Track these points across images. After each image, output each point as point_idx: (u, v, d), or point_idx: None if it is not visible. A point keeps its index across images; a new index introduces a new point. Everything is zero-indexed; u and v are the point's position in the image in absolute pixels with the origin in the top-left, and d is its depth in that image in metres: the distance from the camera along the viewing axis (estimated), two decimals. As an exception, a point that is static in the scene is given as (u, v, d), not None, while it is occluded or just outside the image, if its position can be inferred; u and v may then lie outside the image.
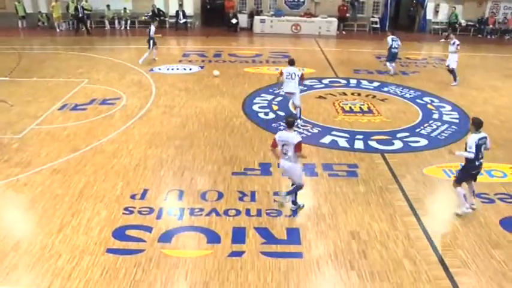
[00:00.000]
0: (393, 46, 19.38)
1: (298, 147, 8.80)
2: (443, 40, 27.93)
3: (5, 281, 7.33)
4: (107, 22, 29.73)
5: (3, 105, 13.24)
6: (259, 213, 9.15)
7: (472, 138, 8.75)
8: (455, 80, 18.27)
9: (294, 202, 9.36)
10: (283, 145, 8.95)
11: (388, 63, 19.92)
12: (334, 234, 8.56)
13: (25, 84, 17.06)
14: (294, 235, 8.52)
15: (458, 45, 17.85)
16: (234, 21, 29.06)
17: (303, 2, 30.42)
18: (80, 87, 16.79)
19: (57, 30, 28.77)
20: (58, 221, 8.87)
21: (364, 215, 9.23)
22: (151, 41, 20.27)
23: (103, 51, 23.31)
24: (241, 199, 9.66)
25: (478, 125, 8.88)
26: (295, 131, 9.31)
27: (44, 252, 7.97)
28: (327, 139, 12.82)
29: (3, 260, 7.76)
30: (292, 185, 9.37)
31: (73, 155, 11.59)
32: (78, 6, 28.03)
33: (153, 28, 20.22)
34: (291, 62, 14.08)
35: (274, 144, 9.09)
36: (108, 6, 29.37)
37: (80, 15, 28.22)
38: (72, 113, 14.43)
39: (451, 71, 18.23)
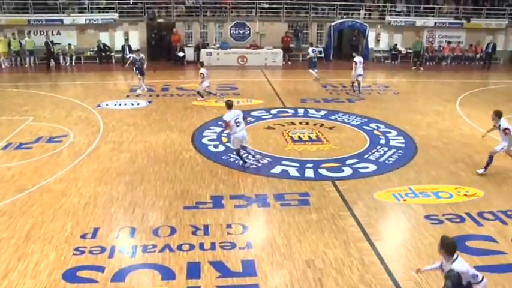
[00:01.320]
0: (313, 56, 25.11)
1: (244, 115, 12.78)
2: (414, 68, 29.19)
3: None
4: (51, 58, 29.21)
5: None
6: (213, 246, 9.05)
7: (464, 265, 6.35)
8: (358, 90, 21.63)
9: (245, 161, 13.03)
10: (235, 120, 12.43)
11: (310, 70, 25.17)
12: (289, 264, 8.56)
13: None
14: (249, 267, 8.46)
15: (354, 63, 21.19)
16: (180, 54, 29.17)
17: (248, 34, 30.93)
18: (25, 125, 16.38)
19: (2, 66, 28.15)
20: (3, 266, 8.48)
21: (318, 243, 9.27)
22: (137, 70, 21.93)
23: (48, 87, 22.92)
24: (194, 233, 9.55)
25: (452, 249, 6.42)
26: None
27: (-13, 302, 7.62)
28: (277, 169, 12.89)
29: None
30: (241, 151, 12.98)
31: (19, 196, 11.21)
32: (48, 41, 27.81)
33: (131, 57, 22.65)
34: (202, 64, 20.88)
35: (228, 125, 12.45)
36: (51, 42, 28.91)
37: (52, 49, 27.96)
38: (16, 152, 14.02)
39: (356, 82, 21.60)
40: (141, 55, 22.27)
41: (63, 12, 29.48)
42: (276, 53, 29.88)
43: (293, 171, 12.73)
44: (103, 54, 29.73)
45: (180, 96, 21.05)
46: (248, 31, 31.01)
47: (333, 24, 30.98)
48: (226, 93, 21.33)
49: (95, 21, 29.62)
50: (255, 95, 20.92)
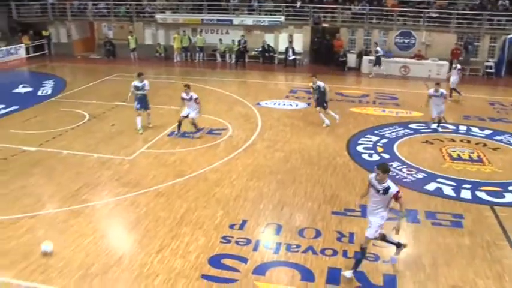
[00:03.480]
0: (381, 53, 27.59)
1: None
2: None
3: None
4: (218, 55, 31.01)
5: (118, 128, 14.67)
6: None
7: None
8: (459, 94, 22.19)
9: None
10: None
11: (375, 67, 27.64)
12: (433, 287, 8.16)
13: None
14: (390, 282, 8.24)
15: (459, 70, 22.29)
16: (342, 58, 28.99)
17: (414, 44, 29.88)
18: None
19: (175, 60, 30.69)
20: (158, 242, 9.22)
21: (468, 269, 8.70)
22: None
23: (213, 82, 24.21)
24: (339, 239, 9.51)
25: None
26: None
27: (142, 271, 8.31)
28: (431, 186, 12.36)
29: (106, 272, 8.27)
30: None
31: (178, 180, 12.06)
32: (241, 41, 30.02)
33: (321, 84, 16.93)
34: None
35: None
36: (220, 40, 30.69)
37: (242, 49, 30.15)
38: (180, 140, 15.07)
39: (455, 90, 22.11)
40: None
41: (233, 13, 30.99)
42: (442, 65, 28.41)
43: (448, 190, 12.10)
44: (267, 54, 30.66)
45: (338, 101, 20.93)
46: (413, 40, 29.92)
47: (508, 37, 28.70)
48: (385, 102, 20.86)
49: (262, 22, 30.65)
50: (415, 107, 20.17)
